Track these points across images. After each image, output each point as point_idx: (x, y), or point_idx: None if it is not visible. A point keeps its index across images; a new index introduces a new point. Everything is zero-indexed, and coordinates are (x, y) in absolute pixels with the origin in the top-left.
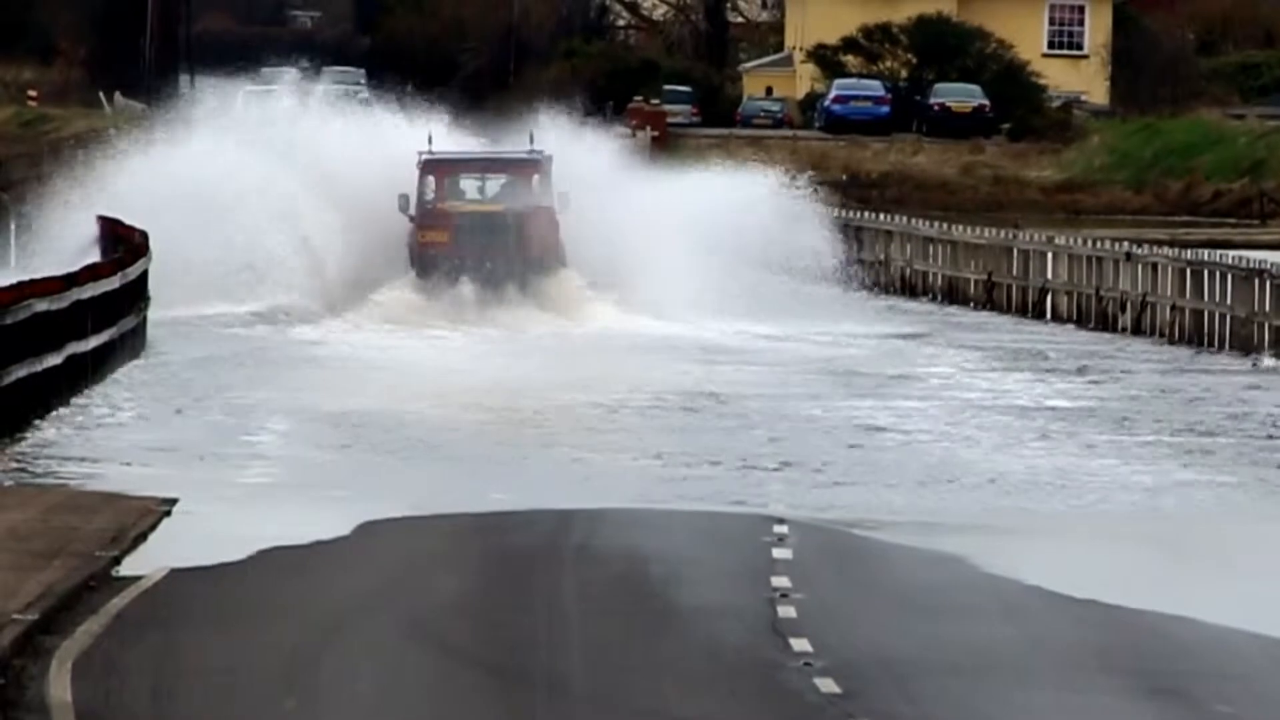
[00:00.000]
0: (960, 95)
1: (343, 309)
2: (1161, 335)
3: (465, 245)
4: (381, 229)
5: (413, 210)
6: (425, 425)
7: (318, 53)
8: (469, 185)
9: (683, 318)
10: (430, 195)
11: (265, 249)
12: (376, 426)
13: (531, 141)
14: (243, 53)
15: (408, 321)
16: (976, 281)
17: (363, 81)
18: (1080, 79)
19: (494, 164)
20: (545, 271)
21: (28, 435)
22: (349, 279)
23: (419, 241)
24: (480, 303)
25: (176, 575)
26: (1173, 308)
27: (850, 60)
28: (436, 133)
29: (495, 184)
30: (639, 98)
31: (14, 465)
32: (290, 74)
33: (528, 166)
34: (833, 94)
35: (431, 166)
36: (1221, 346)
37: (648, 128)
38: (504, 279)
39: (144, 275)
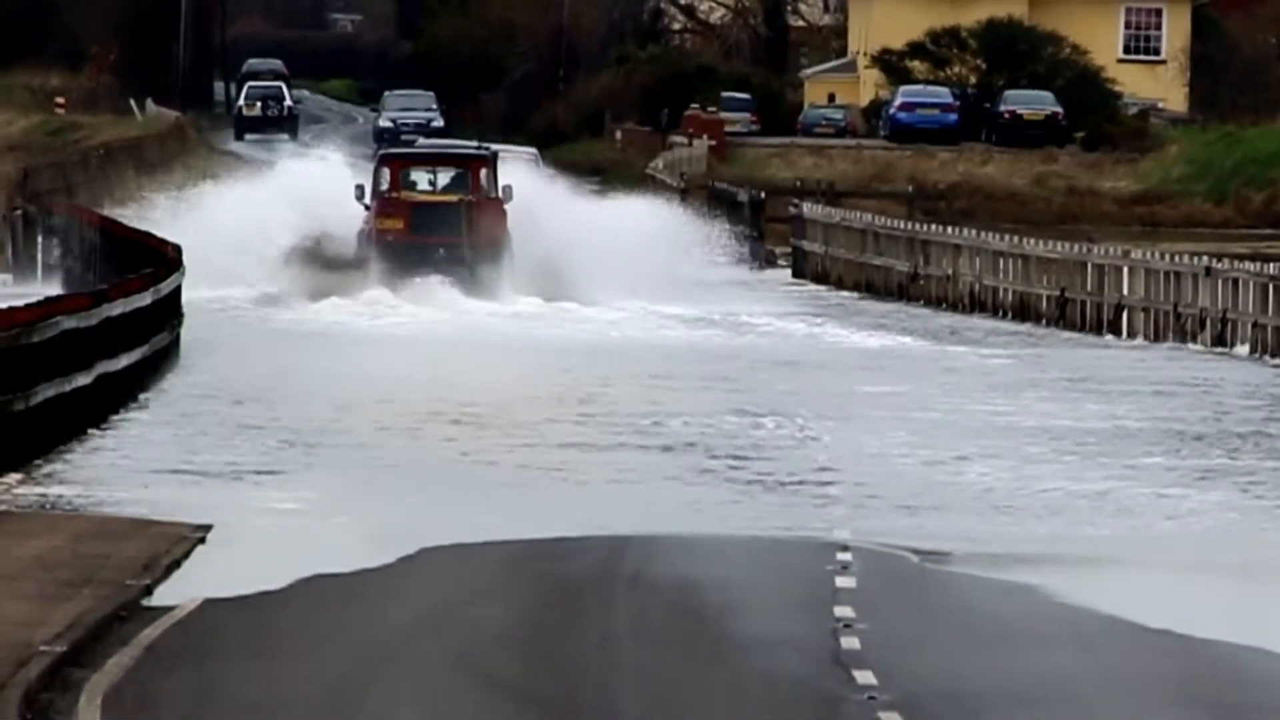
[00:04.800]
0: (1032, 102)
1: (317, 297)
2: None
3: (419, 232)
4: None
5: (369, 199)
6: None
7: (358, 58)
8: (421, 177)
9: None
10: (385, 185)
11: (254, 247)
12: (406, 447)
13: (480, 139)
14: (280, 58)
15: (375, 304)
16: (1049, 298)
17: (435, 106)
18: (1157, 85)
19: (444, 158)
20: (493, 257)
21: (56, 458)
22: (315, 269)
23: (376, 229)
24: (434, 287)
25: (211, 605)
26: (1254, 325)
27: (916, 66)
28: None
29: (446, 176)
30: (695, 105)
31: (41, 490)
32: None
33: (475, 161)
34: (898, 101)
35: (387, 160)
36: None
37: (704, 137)
38: (455, 264)
39: (177, 290)
